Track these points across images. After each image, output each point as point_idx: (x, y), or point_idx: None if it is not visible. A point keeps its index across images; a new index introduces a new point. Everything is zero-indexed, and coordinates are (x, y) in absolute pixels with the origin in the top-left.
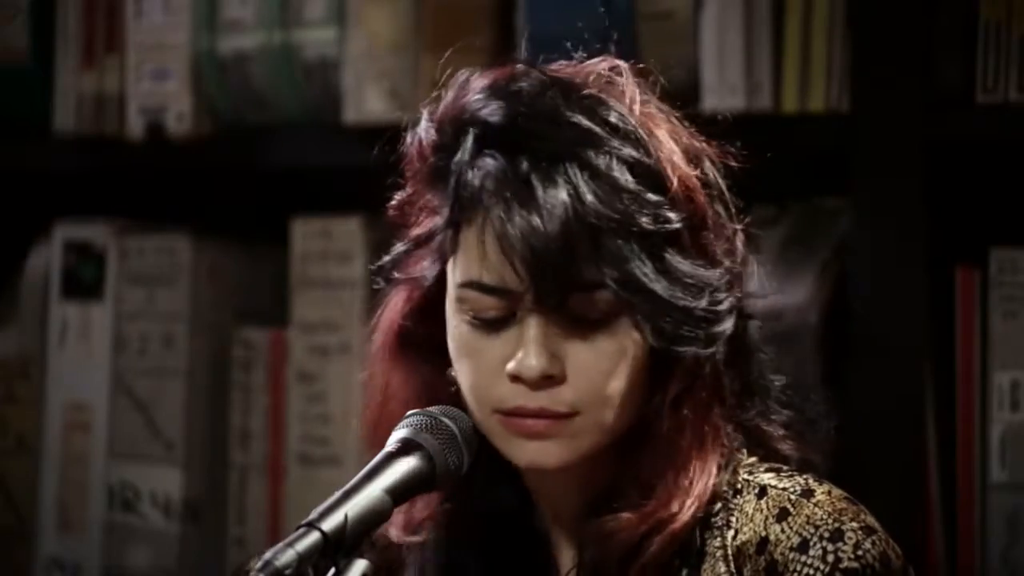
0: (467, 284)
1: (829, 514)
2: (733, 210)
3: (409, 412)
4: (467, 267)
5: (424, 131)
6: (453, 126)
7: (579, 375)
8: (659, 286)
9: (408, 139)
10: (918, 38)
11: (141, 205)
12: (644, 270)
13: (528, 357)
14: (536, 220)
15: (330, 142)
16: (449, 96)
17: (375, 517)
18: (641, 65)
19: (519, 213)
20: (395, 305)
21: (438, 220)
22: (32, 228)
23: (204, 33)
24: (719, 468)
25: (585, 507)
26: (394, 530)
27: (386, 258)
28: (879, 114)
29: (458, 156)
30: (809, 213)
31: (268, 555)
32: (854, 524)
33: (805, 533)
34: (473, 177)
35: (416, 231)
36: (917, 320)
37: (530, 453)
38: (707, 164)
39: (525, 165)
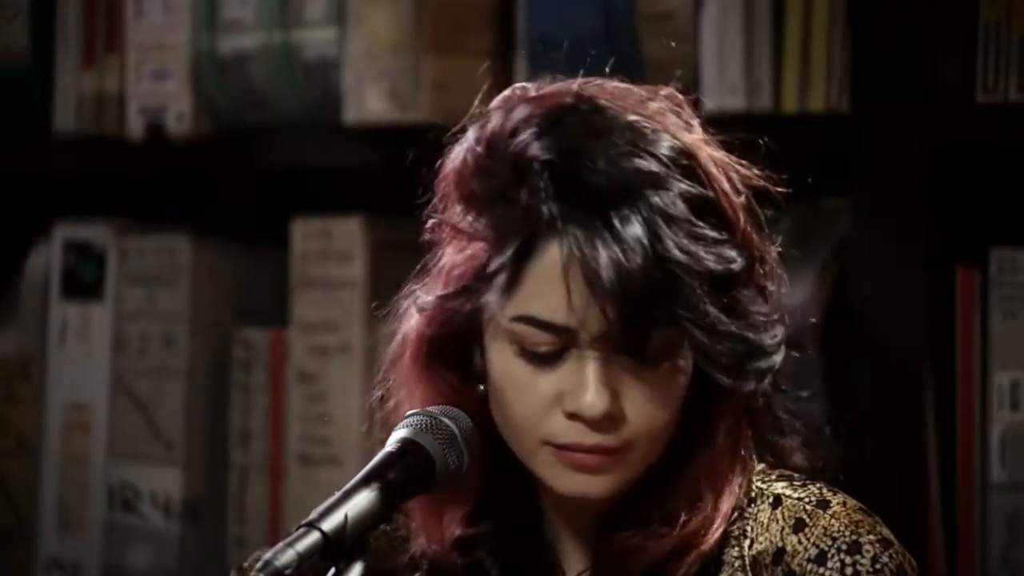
0: (522, 319)
1: (846, 526)
2: (767, 232)
3: (409, 412)
4: (524, 302)
5: (470, 152)
6: (507, 156)
7: (635, 413)
8: (731, 325)
9: (452, 155)
10: (918, 38)
11: (141, 205)
12: (715, 310)
13: (591, 396)
14: (623, 259)
15: (330, 142)
16: (498, 120)
17: (375, 517)
18: (692, 96)
19: (605, 251)
20: (417, 330)
21: (483, 248)
22: (32, 228)
23: (204, 33)
24: (740, 484)
25: (600, 518)
26: (434, 546)
27: (423, 292)
28: (879, 114)
29: (523, 192)
30: (809, 213)
31: (268, 555)
32: (871, 537)
33: (822, 545)
34: (546, 214)
35: (454, 256)
36: (917, 320)
37: (579, 485)
38: (741, 184)
39: (598, 202)
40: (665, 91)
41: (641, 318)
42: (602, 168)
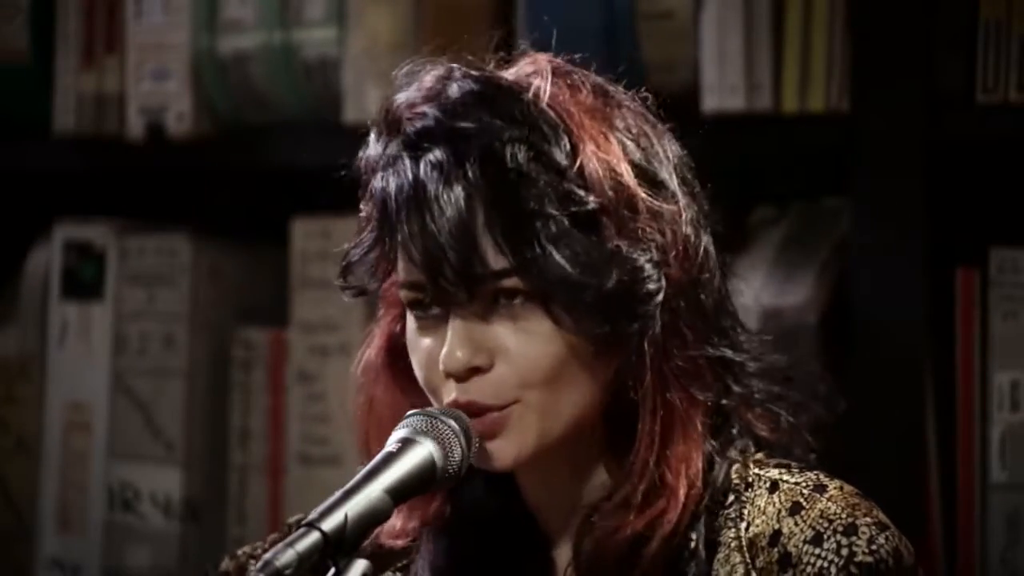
0: (403, 285)
1: (843, 508)
2: (680, 188)
3: (409, 412)
4: (400, 269)
5: (371, 146)
6: (381, 136)
7: (507, 362)
8: (560, 267)
9: (361, 162)
10: (918, 38)
11: (141, 205)
12: (545, 253)
13: (450, 351)
14: (428, 221)
15: (330, 142)
16: (381, 111)
17: (375, 517)
18: (574, 56)
19: (414, 216)
20: (383, 327)
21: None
22: (32, 228)
23: (204, 33)
24: (707, 457)
25: (577, 506)
26: (385, 537)
27: (343, 282)
28: (879, 114)
29: (379, 164)
30: (809, 213)
31: (268, 555)
32: (868, 519)
33: (819, 527)
34: (385, 185)
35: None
36: (917, 320)
37: (485, 454)
38: (639, 145)
39: (424, 168)
40: (541, 57)
41: (452, 274)
42: (447, 129)
